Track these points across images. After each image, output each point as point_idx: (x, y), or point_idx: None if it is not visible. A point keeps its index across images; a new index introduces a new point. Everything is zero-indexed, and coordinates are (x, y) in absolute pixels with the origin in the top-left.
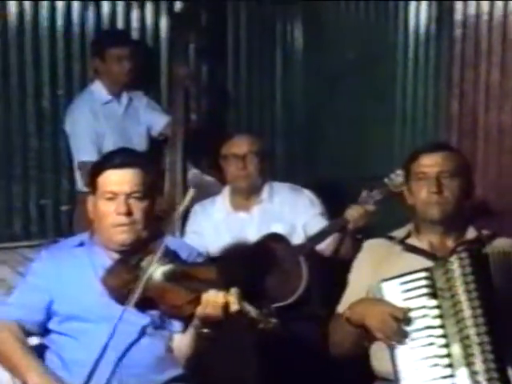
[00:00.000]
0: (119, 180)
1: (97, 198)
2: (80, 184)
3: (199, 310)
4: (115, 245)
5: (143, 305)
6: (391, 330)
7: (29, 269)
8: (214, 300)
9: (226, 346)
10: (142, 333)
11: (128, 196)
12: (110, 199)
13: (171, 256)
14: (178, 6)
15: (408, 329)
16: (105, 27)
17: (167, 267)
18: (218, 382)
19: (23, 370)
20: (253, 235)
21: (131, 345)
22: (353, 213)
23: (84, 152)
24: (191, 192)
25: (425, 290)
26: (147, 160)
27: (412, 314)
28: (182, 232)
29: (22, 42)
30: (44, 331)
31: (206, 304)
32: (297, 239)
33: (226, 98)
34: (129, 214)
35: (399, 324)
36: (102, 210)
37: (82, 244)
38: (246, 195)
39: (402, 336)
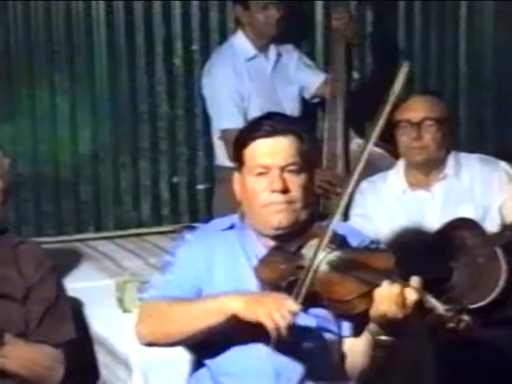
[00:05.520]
0: (271, 151)
1: (244, 174)
2: (221, 158)
3: (373, 310)
4: (269, 228)
5: (306, 301)
6: None
7: (173, 256)
8: (389, 292)
9: (400, 354)
10: (309, 336)
11: (282, 169)
12: (260, 174)
13: (338, 241)
14: None
15: None
16: None
17: (334, 255)
18: None
19: (216, 305)
20: (434, 218)
21: (296, 350)
22: None
23: (226, 118)
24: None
25: None
26: (303, 125)
27: None
28: (346, 214)
29: None
30: None
31: (380, 299)
32: (491, 225)
33: (396, 52)
34: (285, 191)
35: None
36: (251, 188)
37: (232, 227)
38: (425, 170)
39: None
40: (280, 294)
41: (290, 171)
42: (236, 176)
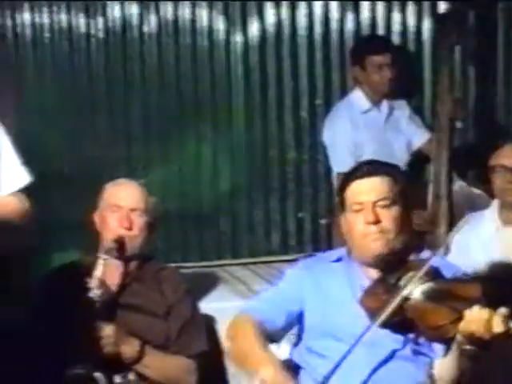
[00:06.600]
0: (365, 189)
1: (346, 211)
2: None
3: (463, 326)
4: (368, 256)
5: (402, 326)
6: None
7: (283, 275)
8: (478, 318)
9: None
10: (396, 356)
11: (374, 204)
12: (357, 211)
13: (433, 274)
14: (442, 5)
15: None
16: (364, 32)
17: (426, 286)
18: None
19: (257, 361)
20: None
21: (379, 367)
22: None
23: (342, 163)
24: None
25: None
26: (397, 169)
27: None
28: (446, 249)
29: (280, 52)
30: (279, 340)
31: (469, 320)
32: None
33: (495, 104)
34: (377, 222)
35: None
36: (350, 223)
37: (339, 259)
38: None
39: None
40: None
41: (382, 206)
42: (342, 214)
